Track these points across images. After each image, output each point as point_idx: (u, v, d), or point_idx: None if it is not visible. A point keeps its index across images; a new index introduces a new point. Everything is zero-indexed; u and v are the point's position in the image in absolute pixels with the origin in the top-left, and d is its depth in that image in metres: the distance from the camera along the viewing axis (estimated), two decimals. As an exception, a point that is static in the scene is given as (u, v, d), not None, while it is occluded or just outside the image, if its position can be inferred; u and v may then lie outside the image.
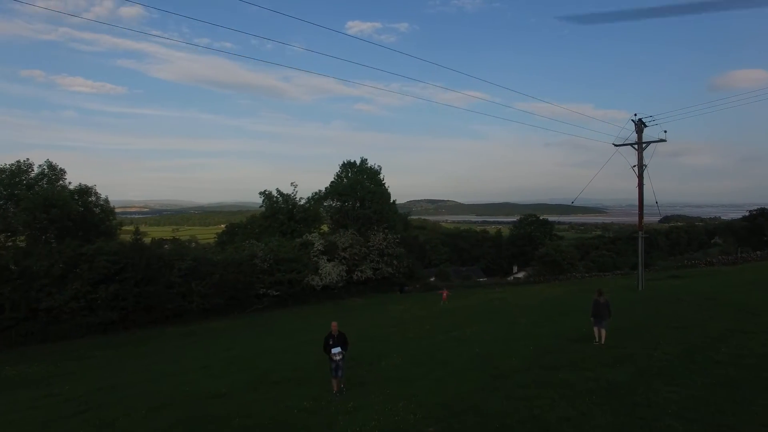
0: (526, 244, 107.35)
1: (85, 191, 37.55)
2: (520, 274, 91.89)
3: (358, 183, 61.83)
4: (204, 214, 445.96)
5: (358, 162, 66.78)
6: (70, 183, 38.17)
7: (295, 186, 57.07)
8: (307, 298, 46.27)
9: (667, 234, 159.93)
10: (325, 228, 62.23)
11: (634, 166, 27.56)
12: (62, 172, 37.96)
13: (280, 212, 55.48)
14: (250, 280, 40.73)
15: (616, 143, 28.25)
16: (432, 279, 72.76)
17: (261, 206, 57.28)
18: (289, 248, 46.35)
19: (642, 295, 24.85)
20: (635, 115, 27.31)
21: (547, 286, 41.02)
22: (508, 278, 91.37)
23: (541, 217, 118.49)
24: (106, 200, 38.88)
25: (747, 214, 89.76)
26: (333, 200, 63.23)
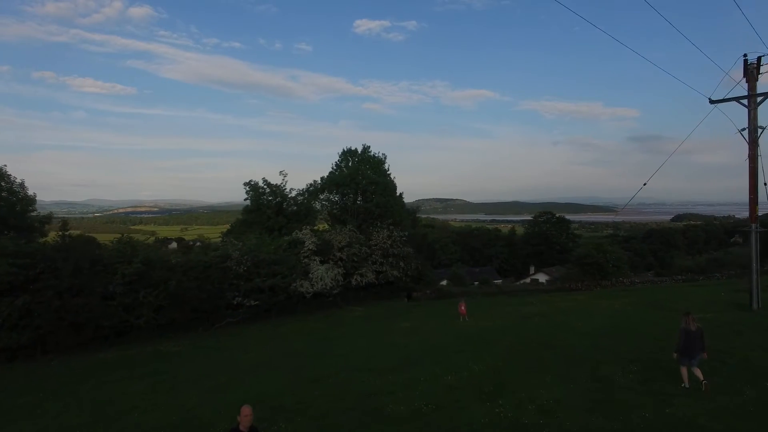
0: (542, 243, 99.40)
1: (-7, 174, 29.34)
2: (539, 276, 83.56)
3: (359, 173, 53.63)
4: (212, 213, 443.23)
5: (359, 150, 58.66)
6: None
7: (285, 175, 48.98)
8: (294, 307, 38.28)
9: (683, 232, 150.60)
10: (325, 227, 54.19)
11: (743, 129, 19.17)
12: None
13: (266, 206, 47.43)
14: (221, 287, 32.80)
15: (713, 99, 19.88)
16: (443, 282, 64.45)
17: (246, 199, 49.18)
18: (272, 248, 38.37)
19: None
20: (745, 55, 18.91)
21: (592, 295, 32.63)
22: (525, 280, 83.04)
23: (557, 215, 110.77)
24: (22, 185, 30.63)
25: None
26: (331, 193, 55.13)
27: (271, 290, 35.54)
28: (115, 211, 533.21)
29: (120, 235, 32.56)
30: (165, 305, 28.84)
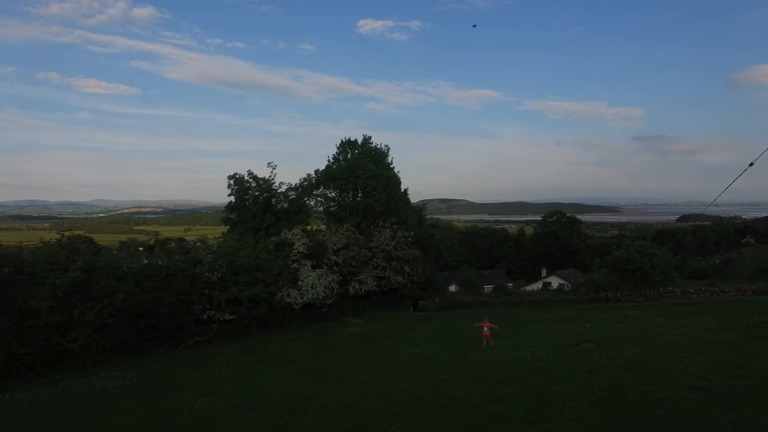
0: (552, 243, 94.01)
1: None
2: (552, 279, 77.78)
3: (359, 165, 47.60)
4: (216, 213, 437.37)
5: (359, 141, 52.73)
6: None
7: (274, 168, 42.96)
8: (280, 321, 32.39)
9: (693, 233, 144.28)
10: (321, 226, 48.28)
11: None
12: None
13: (252, 203, 41.41)
14: (187, 298, 26.89)
15: None
16: (452, 288, 58.51)
17: (229, 194, 43.10)
18: (254, 251, 32.49)
19: None
20: None
21: (645, 311, 26.46)
22: (537, 283, 77.16)
23: (567, 215, 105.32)
24: None
25: None
26: (328, 188, 49.14)
27: (252, 301, 29.68)
28: (120, 212, 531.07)
29: (61, 235, 26.64)
30: (111, 323, 22.95)
